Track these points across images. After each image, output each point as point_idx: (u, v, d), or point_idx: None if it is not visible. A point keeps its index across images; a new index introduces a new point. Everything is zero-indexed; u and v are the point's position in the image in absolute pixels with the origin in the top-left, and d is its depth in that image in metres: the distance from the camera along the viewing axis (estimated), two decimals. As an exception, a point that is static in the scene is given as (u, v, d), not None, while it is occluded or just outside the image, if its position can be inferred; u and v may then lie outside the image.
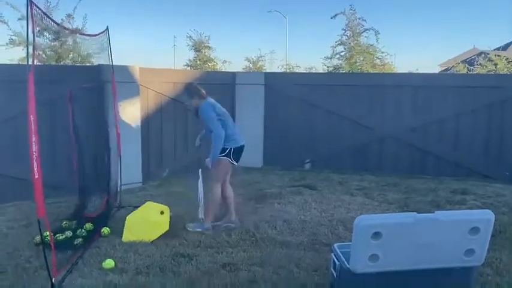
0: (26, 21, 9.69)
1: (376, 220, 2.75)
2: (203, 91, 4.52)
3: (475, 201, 5.76)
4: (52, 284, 3.15)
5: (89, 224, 4.49)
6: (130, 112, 6.32)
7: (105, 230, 4.38)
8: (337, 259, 3.04)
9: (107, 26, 5.36)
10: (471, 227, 2.76)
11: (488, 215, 2.75)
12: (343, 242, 3.86)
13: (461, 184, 6.64)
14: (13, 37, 9.45)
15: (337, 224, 4.72)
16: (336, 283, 3.03)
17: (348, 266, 2.86)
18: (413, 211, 2.88)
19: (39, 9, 3.46)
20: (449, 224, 2.76)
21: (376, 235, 2.71)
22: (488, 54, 16.27)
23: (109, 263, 3.68)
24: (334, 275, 3.03)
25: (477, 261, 2.88)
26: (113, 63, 5.51)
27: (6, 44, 9.48)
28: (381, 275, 2.82)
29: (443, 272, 2.89)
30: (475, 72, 15.14)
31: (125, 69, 6.14)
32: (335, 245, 3.17)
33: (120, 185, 5.54)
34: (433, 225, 2.75)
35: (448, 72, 17.34)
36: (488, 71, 14.78)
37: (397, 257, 2.79)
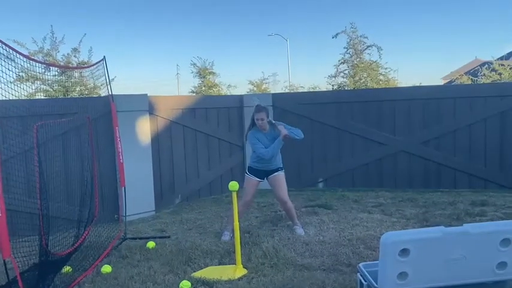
0: (33, 58, 10.00)
1: (404, 236, 2.66)
2: None
3: (496, 212, 5.63)
4: None
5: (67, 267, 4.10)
6: (141, 141, 6.30)
7: (107, 268, 4.12)
8: (364, 279, 2.94)
9: (104, 56, 5.40)
10: (502, 239, 2.68)
11: (519, 224, 2.67)
12: (365, 261, 3.77)
13: (479, 196, 6.51)
14: (20, 73, 9.56)
15: (357, 243, 4.60)
16: (365, 304, 2.93)
17: (376, 285, 2.76)
18: (434, 225, 2.79)
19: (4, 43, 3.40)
20: (479, 237, 2.68)
21: (404, 252, 2.63)
22: (491, 64, 16.26)
23: (185, 284, 3.64)
24: (362, 295, 2.92)
25: (511, 274, 2.77)
26: (121, 93, 5.53)
27: (14, 80, 9.58)
28: (412, 294, 2.72)
29: (476, 287, 2.78)
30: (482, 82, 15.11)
31: (133, 98, 6.15)
32: (360, 265, 3.08)
33: (125, 216, 5.43)
34: (462, 238, 2.67)
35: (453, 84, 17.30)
36: (493, 81, 14.73)
37: (426, 274, 2.70)
